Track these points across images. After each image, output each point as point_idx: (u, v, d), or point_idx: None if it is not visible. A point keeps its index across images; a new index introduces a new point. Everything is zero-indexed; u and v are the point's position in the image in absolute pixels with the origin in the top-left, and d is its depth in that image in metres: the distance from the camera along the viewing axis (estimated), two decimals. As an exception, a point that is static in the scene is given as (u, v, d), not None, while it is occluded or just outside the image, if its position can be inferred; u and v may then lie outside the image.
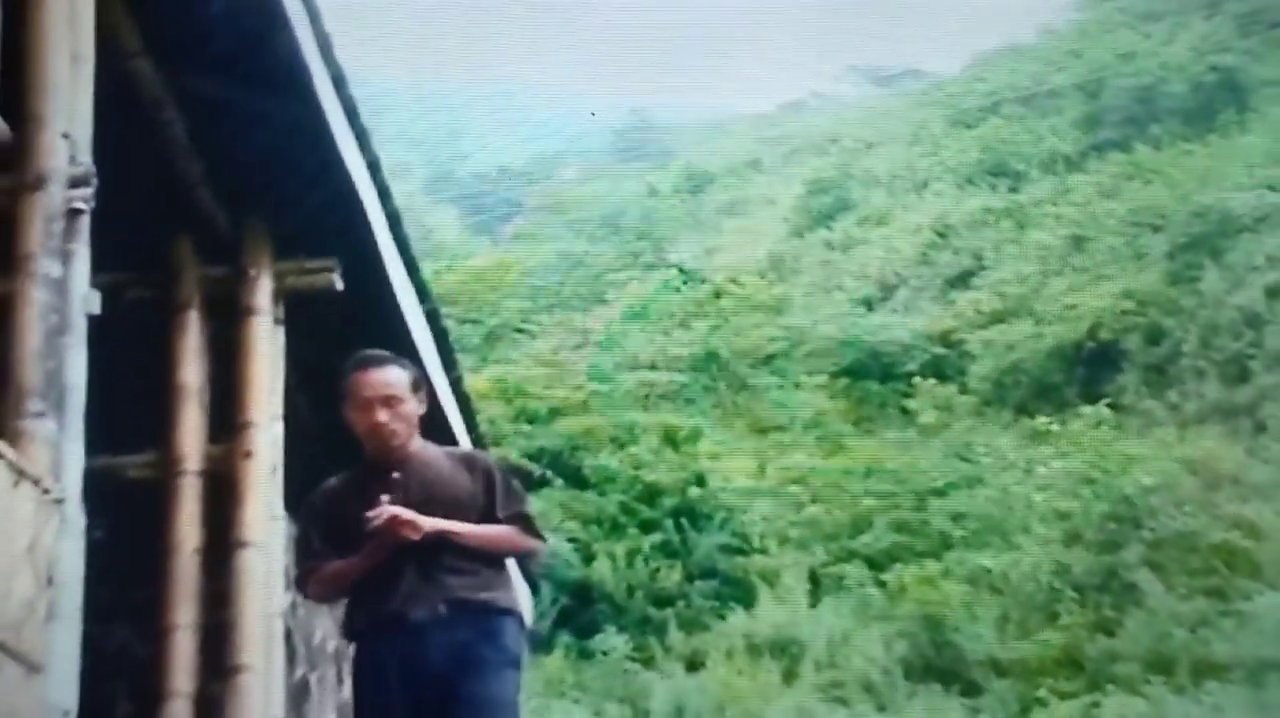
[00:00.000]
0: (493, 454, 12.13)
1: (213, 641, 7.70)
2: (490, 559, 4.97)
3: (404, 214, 8.76)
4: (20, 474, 5.93)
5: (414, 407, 5.13)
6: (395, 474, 4.92)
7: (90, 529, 6.43)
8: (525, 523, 5.05)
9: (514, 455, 25.26)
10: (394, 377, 5.11)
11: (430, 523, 4.79)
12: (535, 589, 13.98)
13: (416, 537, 4.76)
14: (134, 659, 8.14)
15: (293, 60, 7.45)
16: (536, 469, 25.93)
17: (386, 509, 4.77)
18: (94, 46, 6.78)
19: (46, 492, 6.12)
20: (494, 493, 5.02)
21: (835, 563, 24.99)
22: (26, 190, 6.47)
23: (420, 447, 5.10)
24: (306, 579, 5.08)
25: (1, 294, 6.50)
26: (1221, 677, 17.89)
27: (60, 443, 6.25)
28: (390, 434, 4.99)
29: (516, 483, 5.17)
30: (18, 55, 6.61)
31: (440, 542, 4.83)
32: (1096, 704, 18.86)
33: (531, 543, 5.10)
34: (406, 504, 4.84)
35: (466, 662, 4.75)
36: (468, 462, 5.14)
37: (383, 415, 4.97)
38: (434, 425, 9.80)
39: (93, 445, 6.50)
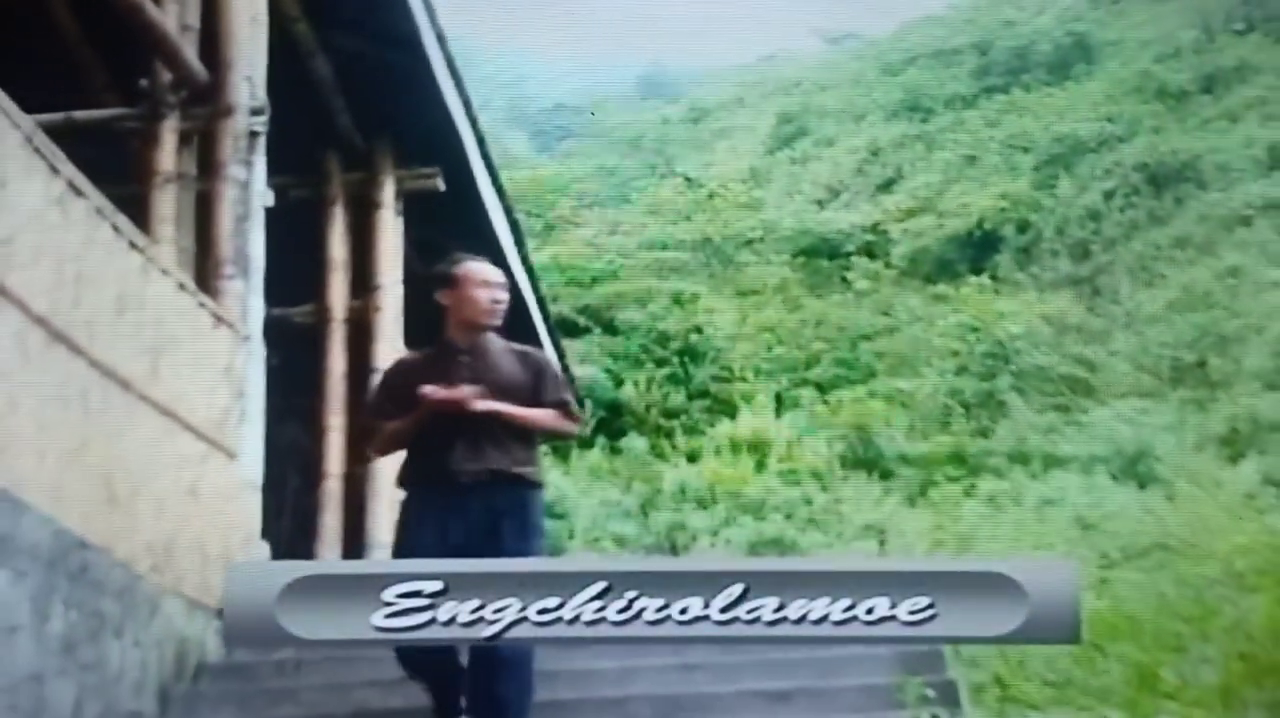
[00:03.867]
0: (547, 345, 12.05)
1: (356, 438, 7.79)
2: (528, 439, 4.27)
3: (487, 136, 8.69)
4: (219, 319, 5.98)
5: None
6: (464, 358, 4.25)
7: (268, 358, 6.48)
8: (565, 408, 4.33)
9: (565, 310, 25.24)
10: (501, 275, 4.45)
11: (482, 405, 4.14)
12: (582, 405, 14.05)
13: (464, 410, 4.11)
14: (300, 449, 8.23)
15: (407, 23, 7.36)
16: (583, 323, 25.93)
17: (450, 391, 4.13)
18: (267, 12, 6.71)
19: (237, 331, 6.16)
20: (543, 382, 4.32)
21: (793, 388, 25.00)
22: (219, 117, 6.46)
23: (491, 338, 4.35)
24: (370, 434, 4.36)
25: (203, 191, 6.51)
26: (1063, 467, 17.94)
27: (246, 297, 6.30)
28: (498, 314, 4.32)
29: (563, 377, 4.48)
30: (212, 18, 6.56)
31: (490, 418, 4.17)
32: (974, 486, 18.92)
33: (568, 424, 4.38)
34: (473, 384, 4.19)
35: (500, 524, 4.18)
36: (524, 357, 4.37)
37: (501, 295, 4.32)
38: (509, 291, 9.83)
39: (269, 299, 6.53)
